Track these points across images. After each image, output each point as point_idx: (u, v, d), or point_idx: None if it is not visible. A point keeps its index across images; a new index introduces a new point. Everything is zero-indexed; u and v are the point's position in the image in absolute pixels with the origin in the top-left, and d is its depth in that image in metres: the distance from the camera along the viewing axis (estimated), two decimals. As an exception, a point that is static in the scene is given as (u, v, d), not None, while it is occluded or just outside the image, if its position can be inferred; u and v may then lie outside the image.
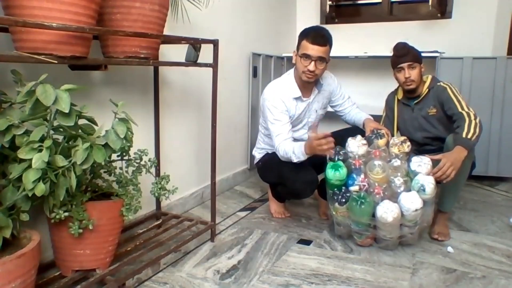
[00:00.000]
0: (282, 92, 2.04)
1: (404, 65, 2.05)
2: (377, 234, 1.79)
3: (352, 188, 1.79)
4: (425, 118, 2.14)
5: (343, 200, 1.78)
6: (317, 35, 1.92)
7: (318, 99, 2.16)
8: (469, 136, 1.80)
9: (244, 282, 1.56)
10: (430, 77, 2.16)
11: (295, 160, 1.90)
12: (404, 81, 2.08)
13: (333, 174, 1.82)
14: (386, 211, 1.67)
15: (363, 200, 1.71)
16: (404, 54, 2.05)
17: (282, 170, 2.03)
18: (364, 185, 1.78)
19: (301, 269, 1.67)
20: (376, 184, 1.76)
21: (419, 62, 2.08)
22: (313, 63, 1.92)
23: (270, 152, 2.22)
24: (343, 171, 1.82)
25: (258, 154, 2.29)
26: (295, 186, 1.99)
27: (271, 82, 2.16)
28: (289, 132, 2.00)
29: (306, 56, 1.92)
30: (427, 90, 2.11)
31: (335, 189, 1.83)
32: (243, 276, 1.61)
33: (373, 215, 1.73)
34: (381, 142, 1.93)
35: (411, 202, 1.67)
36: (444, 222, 2.01)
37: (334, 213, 1.86)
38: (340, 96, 2.25)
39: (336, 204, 1.81)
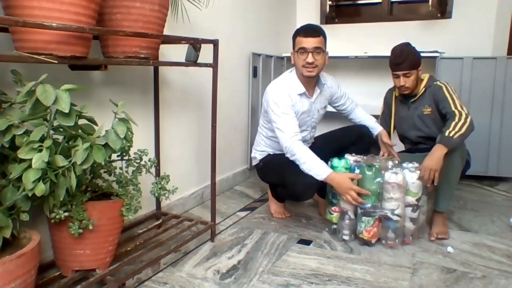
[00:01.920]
0: (286, 87, 2.04)
1: (400, 73, 2.06)
2: (386, 212, 1.79)
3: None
4: (420, 117, 2.15)
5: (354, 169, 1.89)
6: (308, 28, 2.00)
7: (320, 99, 2.17)
8: (451, 135, 1.82)
9: (244, 282, 1.56)
10: (427, 76, 2.17)
11: (307, 172, 1.89)
12: (398, 87, 2.12)
13: (339, 161, 1.96)
14: (394, 173, 1.78)
15: (373, 168, 1.81)
16: (400, 63, 2.04)
17: (283, 172, 2.03)
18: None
19: (301, 269, 1.67)
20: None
21: (416, 68, 2.07)
22: (310, 54, 1.95)
23: (271, 153, 2.22)
24: (349, 161, 1.97)
25: (259, 155, 2.27)
26: (295, 188, 1.98)
27: (273, 81, 2.15)
28: (297, 127, 1.98)
29: (303, 50, 1.95)
30: (424, 89, 2.13)
31: None
32: (243, 276, 1.61)
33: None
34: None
35: (414, 173, 1.82)
36: (443, 221, 2.00)
37: (340, 198, 1.89)
38: (342, 96, 2.28)
39: None
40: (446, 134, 1.83)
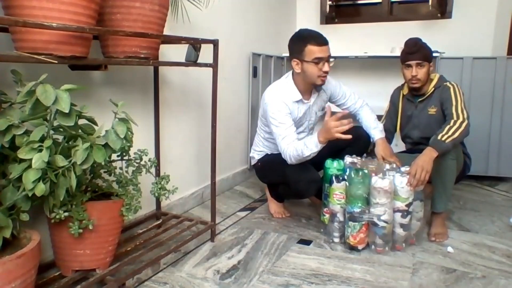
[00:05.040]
0: (283, 95, 2.03)
1: (413, 62, 2.03)
2: (372, 218, 1.76)
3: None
4: (425, 117, 2.14)
5: (341, 178, 1.86)
6: (318, 36, 1.93)
7: (317, 101, 2.16)
8: (443, 139, 1.81)
9: (244, 282, 1.56)
10: (437, 76, 2.15)
11: (307, 153, 1.87)
12: (410, 79, 2.08)
13: (332, 162, 2.02)
14: (381, 177, 1.73)
15: (360, 172, 1.77)
16: (414, 52, 2.03)
17: (284, 170, 2.02)
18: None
19: (301, 269, 1.67)
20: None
21: (429, 61, 2.06)
22: (326, 63, 1.93)
23: (269, 153, 2.22)
24: (342, 162, 1.98)
25: (257, 155, 2.28)
26: (298, 185, 1.98)
27: (270, 86, 2.13)
28: (294, 134, 1.98)
29: (319, 59, 1.91)
30: (433, 89, 2.11)
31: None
32: (243, 276, 1.61)
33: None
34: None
35: (404, 177, 1.76)
36: (441, 222, 1.99)
37: (330, 199, 1.89)
38: (342, 96, 2.23)
39: (335, 183, 1.86)
40: (439, 137, 1.82)
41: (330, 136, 1.79)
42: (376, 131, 2.16)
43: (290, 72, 2.10)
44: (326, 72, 1.94)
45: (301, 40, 1.95)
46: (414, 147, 2.25)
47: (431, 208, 2.00)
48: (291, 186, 2.02)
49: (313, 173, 1.97)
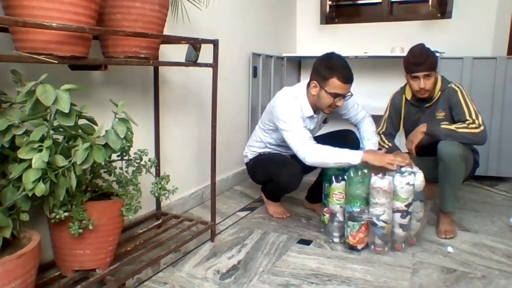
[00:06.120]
0: (297, 107, 2.00)
1: (420, 74, 1.97)
2: (371, 218, 1.75)
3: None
4: (434, 122, 2.10)
5: (340, 178, 1.86)
6: (347, 73, 1.90)
7: (323, 114, 2.17)
8: (442, 126, 1.93)
9: (244, 282, 1.56)
10: (440, 78, 2.11)
11: (347, 161, 1.80)
12: (418, 90, 2.03)
13: None
14: (381, 177, 1.73)
15: (360, 171, 1.78)
16: (421, 63, 1.95)
17: (268, 166, 2.09)
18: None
19: (301, 269, 1.67)
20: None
21: (435, 69, 2.00)
22: (342, 99, 1.94)
23: (262, 153, 2.24)
24: None
25: (250, 154, 2.30)
26: (280, 179, 2.03)
27: (286, 93, 2.06)
28: (308, 132, 1.95)
29: (338, 95, 1.91)
30: (439, 93, 2.08)
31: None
32: (243, 276, 1.61)
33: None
34: None
35: (404, 177, 1.76)
36: (448, 220, 2.01)
37: (330, 199, 1.89)
38: (344, 106, 2.16)
39: (334, 182, 1.87)
40: (442, 125, 1.92)
41: (381, 163, 1.77)
42: (369, 142, 2.13)
43: (305, 85, 2.05)
44: (337, 106, 1.97)
45: (330, 69, 1.90)
46: (421, 151, 2.20)
47: (440, 207, 2.02)
48: (274, 180, 2.07)
49: (293, 167, 2.02)
